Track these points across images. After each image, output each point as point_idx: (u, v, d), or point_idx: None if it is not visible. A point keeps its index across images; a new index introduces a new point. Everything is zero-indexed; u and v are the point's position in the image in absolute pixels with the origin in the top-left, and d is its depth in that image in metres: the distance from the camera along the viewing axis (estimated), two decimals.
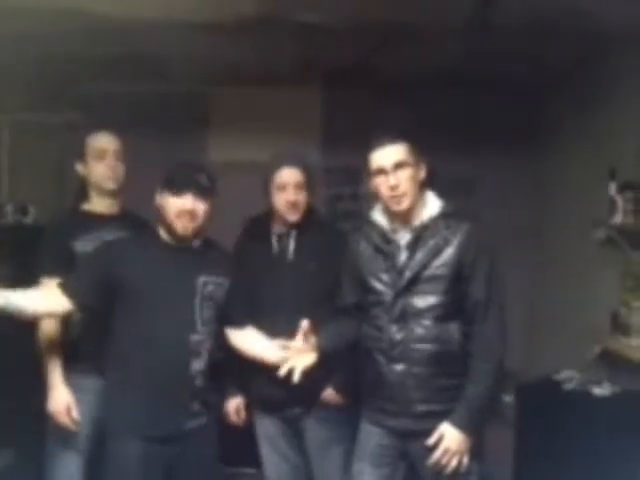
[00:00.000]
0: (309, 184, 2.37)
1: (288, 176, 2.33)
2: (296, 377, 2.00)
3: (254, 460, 2.56)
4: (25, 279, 2.32)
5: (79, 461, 2.31)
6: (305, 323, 2.01)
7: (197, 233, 2.11)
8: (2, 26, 2.52)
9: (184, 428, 2.08)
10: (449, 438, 1.96)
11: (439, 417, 1.98)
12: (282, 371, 2.02)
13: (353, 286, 2.17)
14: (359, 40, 2.90)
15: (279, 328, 2.18)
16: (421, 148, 2.09)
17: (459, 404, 1.98)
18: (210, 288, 2.13)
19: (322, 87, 3.73)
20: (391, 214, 2.09)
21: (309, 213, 2.41)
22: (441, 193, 2.14)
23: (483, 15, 2.57)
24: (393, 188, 2.01)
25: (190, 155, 3.55)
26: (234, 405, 2.48)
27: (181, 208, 2.04)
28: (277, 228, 2.40)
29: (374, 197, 2.15)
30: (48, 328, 2.25)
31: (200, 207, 2.07)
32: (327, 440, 2.39)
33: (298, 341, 2.03)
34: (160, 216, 2.11)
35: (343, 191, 3.89)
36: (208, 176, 2.09)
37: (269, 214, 2.42)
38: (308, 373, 2.03)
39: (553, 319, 3.56)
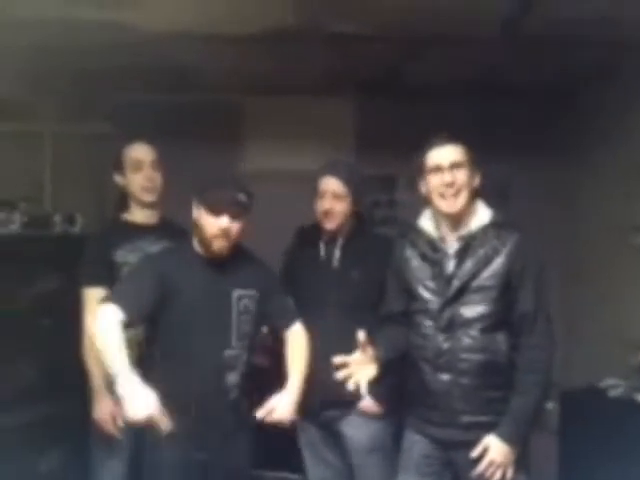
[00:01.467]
0: (353, 194, 2.37)
1: (326, 185, 2.36)
2: (363, 390, 2.00)
3: (298, 465, 2.57)
4: (73, 288, 2.38)
5: (123, 467, 2.34)
6: (362, 335, 1.98)
7: (231, 248, 2.11)
8: (41, 38, 2.57)
9: (219, 438, 2.10)
10: (494, 450, 1.93)
11: (484, 428, 1.96)
12: (350, 387, 1.99)
13: (399, 294, 2.15)
14: (392, 49, 2.90)
15: (322, 333, 2.21)
16: None
17: (505, 416, 1.94)
18: (245, 301, 2.14)
19: (355, 96, 3.73)
20: (440, 220, 2.07)
21: (357, 222, 2.44)
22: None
23: (514, 25, 2.55)
24: (449, 185, 1.98)
25: (224, 164, 3.63)
26: None
27: (219, 228, 2.03)
28: (325, 236, 2.43)
29: (424, 201, 2.11)
30: (93, 340, 2.26)
31: (236, 226, 2.07)
32: (367, 446, 2.38)
33: (356, 354, 2.01)
34: (196, 230, 2.11)
35: (379, 198, 3.89)
36: (246, 193, 2.08)
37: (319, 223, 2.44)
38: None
39: (590, 326, 3.48)
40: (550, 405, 3.20)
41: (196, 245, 2.13)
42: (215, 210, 2.03)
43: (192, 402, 2.06)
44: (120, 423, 2.26)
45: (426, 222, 2.11)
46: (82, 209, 2.94)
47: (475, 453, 1.95)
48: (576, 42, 2.73)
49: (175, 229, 2.47)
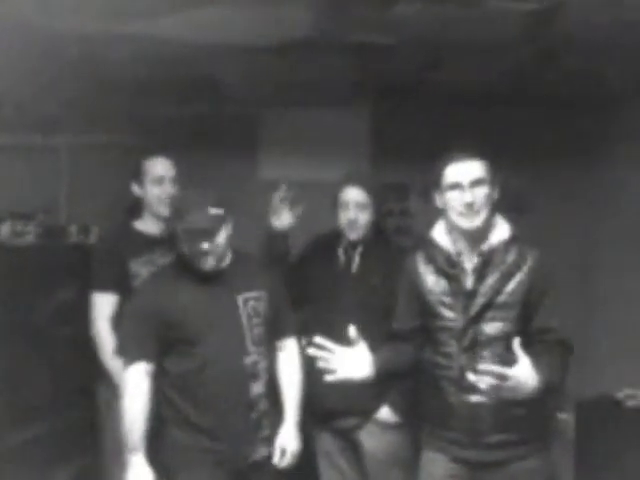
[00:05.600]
0: (374, 204, 2.40)
1: (350, 195, 2.39)
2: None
3: (313, 475, 2.55)
4: (88, 299, 2.41)
5: None
6: (353, 331, 1.91)
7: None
8: (65, 50, 2.57)
9: (256, 456, 2.05)
10: None
11: (511, 447, 1.91)
12: (328, 378, 1.89)
13: (411, 309, 2.07)
14: (409, 58, 2.90)
15: (340, 340, 2.19)
16: None
17: None
18: (252, 304, 2.11)
19: (371, 105, 3.73)
20: (457, 234, 1.98)
21: (376, 230, 2.46)
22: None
23: (536, 32, 2.54)
24: (469, 205, 1.90)
25: (242, 174, 3.65)
26: None
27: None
28: (344, 243, 2.45)
29: (440, 213, 2.04)
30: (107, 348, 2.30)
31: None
32: (385, 456, 2.38)
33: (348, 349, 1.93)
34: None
35: (393, 207, 3.90)
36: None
37: (338, 231, 2.46)
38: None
39: (606, 336, 3.46)
40: (564, 415, 3.19)
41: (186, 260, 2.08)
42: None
43: (217, 417, 2.00)
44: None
45: (441, 236, 2.02)
46: (97, 220, 2.96)
47: None
48: (608, 48, 2.66)
49: None
